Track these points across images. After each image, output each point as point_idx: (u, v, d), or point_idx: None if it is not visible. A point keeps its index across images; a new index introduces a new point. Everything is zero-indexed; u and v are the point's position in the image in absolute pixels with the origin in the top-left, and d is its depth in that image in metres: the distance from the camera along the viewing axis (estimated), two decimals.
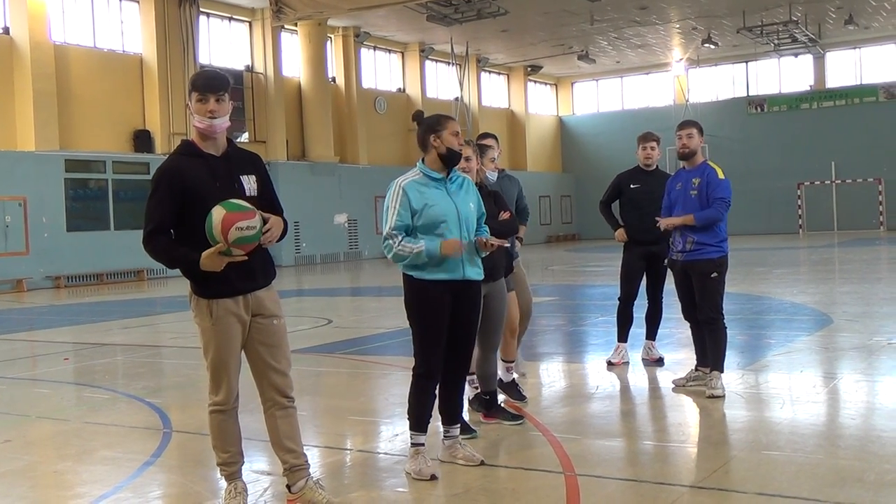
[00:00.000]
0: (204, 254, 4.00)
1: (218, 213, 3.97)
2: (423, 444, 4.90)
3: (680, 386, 6.81)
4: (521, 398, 6.49)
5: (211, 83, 4.21)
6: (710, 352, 6.64)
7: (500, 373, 6.54)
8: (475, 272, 4.97)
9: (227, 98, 4.24)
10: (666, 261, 7.11)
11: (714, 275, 6.58)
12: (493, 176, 6.45)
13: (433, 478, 4.73)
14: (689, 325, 6.99)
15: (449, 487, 4.68)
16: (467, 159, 5.61)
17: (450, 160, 4.93)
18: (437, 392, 5.00)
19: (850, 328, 9.88)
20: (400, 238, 4.78)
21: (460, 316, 4.94)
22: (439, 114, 5.17)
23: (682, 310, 6.92)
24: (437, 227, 4.82)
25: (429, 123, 4.99)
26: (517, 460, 5.24)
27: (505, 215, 5.86)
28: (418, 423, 4.93)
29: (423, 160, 4.99)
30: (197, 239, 4.09)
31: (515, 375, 6.64)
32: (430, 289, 4.85)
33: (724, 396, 6.44)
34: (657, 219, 6.84)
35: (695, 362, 6.93)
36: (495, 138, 6.90)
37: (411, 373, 5.00)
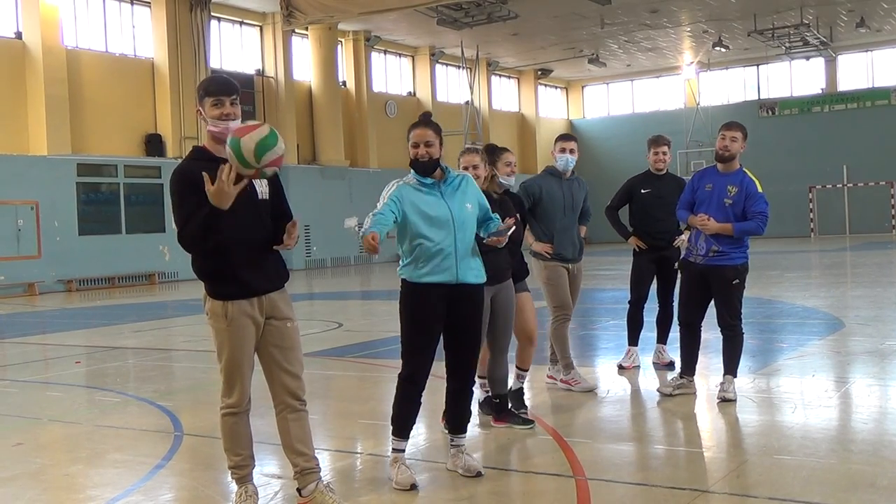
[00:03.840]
0: (208, 191, 3.95)
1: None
2: (402, 451, 4.85)
3: (666, 395, 6.71)
4: (522, 412, 6.31)
5: (224, 87, 4.27)
6: (726, 356, 6.58)
7: (511, 380, 6.48)
8: (472, 275, 4.85)
9: (238, 102, 4.29)
10: (677, 263, 6.99)
11: (736, 281, 6.49)
12: (508, 181, 6.33)
13: (413, 487, 4.67)
14: (680, 329, 6.81)
15: (458, 491, 4.68)
16: (474, 167, 5.58)
17: (415, 169, 4.83)
18: (421, 400, 4.91)
19: (862, 332, 9.84)
20: (372, 217, 4.60)
21: (458, 321, 4.84)
22: (421, 115, 5.03)
23: (682, 314, 6.75)
24: (433, 229, 4.73)
25: (408, 129, 4.91)
26: (527, 464, 5.23)
27: (509, 221, 5.72)
28: (399, 429, 4.88)
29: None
30: (215, 242, 4.12)
31: (524, 384, 6.57)
32: (422, 292, 4.77)
33: (735, 400, 6.42)
34: (699, 216, 6.46)
35: (713, 368, 6.85)
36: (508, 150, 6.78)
37: (397, 377, 4.94)
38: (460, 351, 4.93)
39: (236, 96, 4.28)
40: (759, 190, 6.49)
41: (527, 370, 6.48)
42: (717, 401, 6.45)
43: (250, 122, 4.06)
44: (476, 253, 4.94)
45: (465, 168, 5.59)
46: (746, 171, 6.61)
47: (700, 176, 6.76)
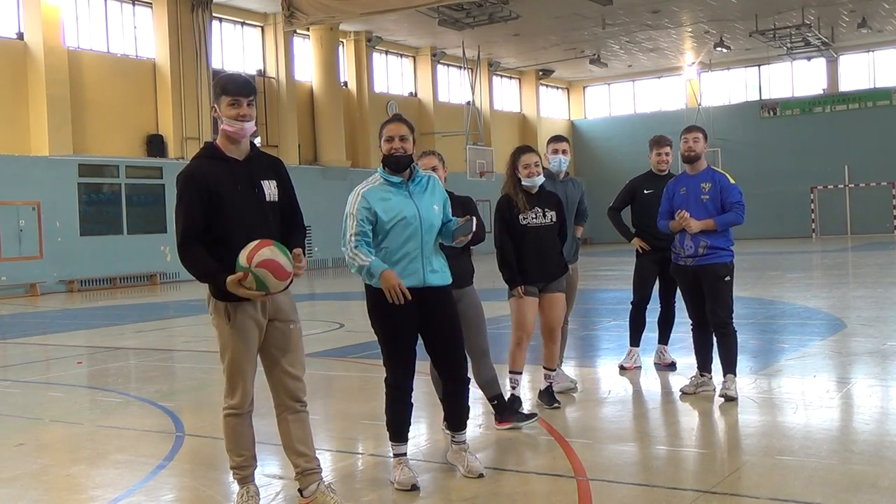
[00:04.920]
0: (229, 279, 4.03)
1: (264, 250, 4.03)
2: (404, 455, 4.85)
3: (689, 394, 6.77)
4: (553, 403, 6.50)
5: (244, 87, 4.27)
6: (724, 355, 6.62)
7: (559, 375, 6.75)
8: (437, 277, 4.80)
9: (254, 103, 4.31)
10: (670, 267, 7.01)
11: (727, 278, 6.58)
12: (531, 182, 6.29)
13: (414, 487, 4.68)
14: (693, 330, 6.87)
15: (460, 492, 4.68)
16: (434, 169, 5.55)
17: (388, 165, 4.78)
18: (412, 402, 4.91)
19: (863, 333, 9.83)
20: (355, 244, 4.66)
21: (431, 323, 4.81)
22: (393, 115, 5.01)
23: (693, 315, 6.82)
24: (400, 231, 4.71)
25: (380, 128, 4.90)
26: (529, 465, 5.23)
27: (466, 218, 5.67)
28: (395, 433, 4.87)
29: (382, 165, 4.87)
30: (221, 245, 4.13)
31: (550, 383, 6.63)
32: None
33: (737, 398, 6.43)
34: (677, 214, 6.60)
35: (713, 370, 6.88)
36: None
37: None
38: (444, 350, 4.88)
39: (253, 98, 4.30)
40: (732, 181, 6.68)
41: (553, 369, 6.61)
42: (720, 400, 6.47)
43: (285, 264, 4.08)
44: (440, 255, 4.88)
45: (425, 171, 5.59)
46: (714, 167, 6.82)
47: (673, 184, 6.93)
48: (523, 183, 6.29)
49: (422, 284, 4.74)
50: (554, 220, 6.35)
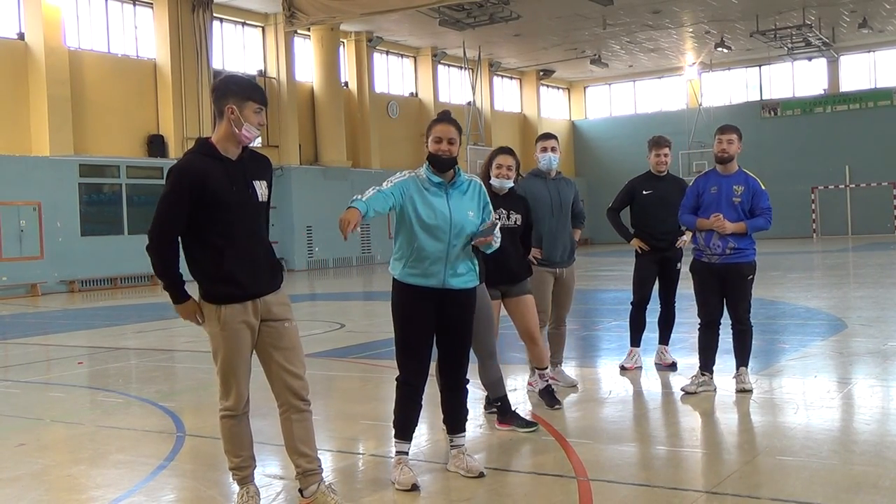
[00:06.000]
0: (185, 304, 4.19)
1: None
2: (405, 453, 4.87)
3: (691, 393, 6.77)
4: (555, 404, 6.47)
5: (266, 98, 4.29)
6: (740, 350, 6.80)
7: (537, 381, 6.66)
8: (459, 280, 4.83)
9: None
10: (690, 264, 7.02)
11: (751, 277, 6.74)
12: (500, 183, 6.27)
13: (414, 487, 4.68)
14: (701, 329, 6.90)
15: (461, 492, 4.68)
16: None
17: (433, 164, 4.83)
18: (421, 401, 4.94)
19: (864, 333, 9.83)
20: (377, 190, 4.65)
21: (446, 324, 4.86)
22: (441, 113, 5.03)
23: (704, 314, 6.83)
24: (428, 230, 4.73)
25: (429, 126, 4.93)
26: (530, 465, 5.23)
27: (492, 219, 5.66)
28: (400, 431, 4.91)
29: (427, 162, 4.90)
30: (205, 243, 4.14)
31: (548, 382, 6.61)
32: (410, 293, 4.78)
33: (752, 390, 6.66)
34: (713, 217, 6.57)
35: (716, 368, 6.91)
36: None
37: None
38: (450, 351, 4.94)
39: None
40: (763, 187, 6.76)
41: (545, 368, 6.58)
42: (724, 400, 6.52)
43: None
44: (468, 257, 4.89)
45: None
46: (746, 170, 6.84)
47: (704, 180, 6.90)
48: (491, 182, 6.24)
49: (441, 286, 4.79)
50: (518, 223, 6.30)
